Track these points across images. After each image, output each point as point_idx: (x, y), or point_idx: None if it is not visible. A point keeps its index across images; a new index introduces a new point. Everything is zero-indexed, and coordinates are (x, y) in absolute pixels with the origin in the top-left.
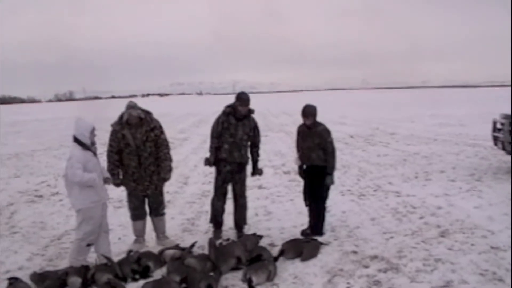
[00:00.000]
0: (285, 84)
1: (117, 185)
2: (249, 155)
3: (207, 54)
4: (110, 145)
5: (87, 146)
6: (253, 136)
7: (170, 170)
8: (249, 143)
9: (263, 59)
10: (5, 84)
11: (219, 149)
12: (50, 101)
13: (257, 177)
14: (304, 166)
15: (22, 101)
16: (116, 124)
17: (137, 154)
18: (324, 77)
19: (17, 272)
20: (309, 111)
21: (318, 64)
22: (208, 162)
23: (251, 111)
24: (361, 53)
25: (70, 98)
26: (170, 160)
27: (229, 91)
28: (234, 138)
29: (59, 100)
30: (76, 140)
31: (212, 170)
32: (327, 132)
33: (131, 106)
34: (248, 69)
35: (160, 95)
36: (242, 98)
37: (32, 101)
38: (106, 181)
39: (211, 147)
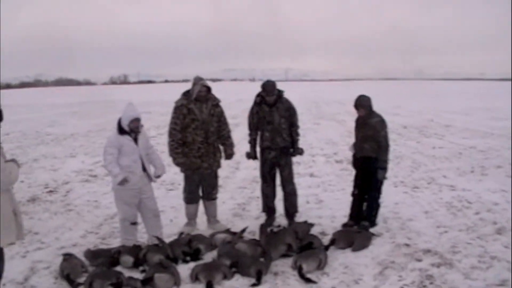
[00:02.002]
0: (338, 72)
1: (180, 164)
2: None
3: (260, 40)
4: (174, 123)
5: (125, 131)
6: (290, 116)
7: (234, 146)
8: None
9: (316, 46)
10: (62, 66)
11: (261, 139)
12: (105, 83)
13: (309, 164)
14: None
15: (78, 83)
16: (181, 99)
17: (203, 128)
18: (378, 66)
19: (71, 248)
20: (360, 103)
21: (372, 53)
22: (249, 156)
23: (280, 94)
24: (416, 43)
25: (124, 82)
26: (232, 138)
27: (281, 78)
28: (273, 124)
29: (113, 83)
30: (118, 123)
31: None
32: (381, 124)
33: (200, 78)
34: (300, 57)
35: (213, 80)
36: (267, 88)
37: (88, 83)
38: (156, 175)
39: (250, 140)
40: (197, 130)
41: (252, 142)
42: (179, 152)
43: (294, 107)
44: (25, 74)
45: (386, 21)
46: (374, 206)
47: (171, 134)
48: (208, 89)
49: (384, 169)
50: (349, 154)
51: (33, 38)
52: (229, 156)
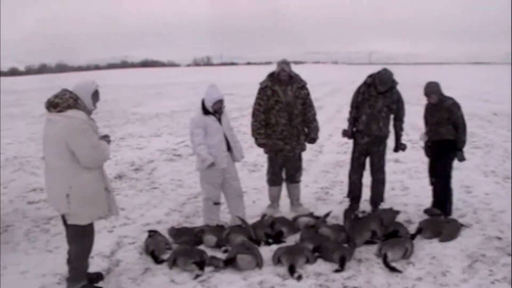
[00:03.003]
0: (423, 55)
1: (263, 145)
2: (390, 128)
3: (343, 22)
4: (258, 104)
5: (209, 111)
6: (397, 109)
7: (318, 130)
8: (391, 116)
9: (400, 29)
10: (148, 48)
11: (357, 120)
12: (188, 65)
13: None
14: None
15: (163, 64)
16: (266, 81)
17: (287, 110)
18: (466, 50)
19: (156, 225)
20: (430, 90)
21: (458, 35)
22: (345, 133)
23: (394, 85)
24: (507, 23)
25: (207, 63)
26: (317, 121)
27: (365, 61)
28: (372, 110)
29: (197, 65)
30: (202, 103)
31: (348, 140)
32: (456, 106)
33: (284, 62)
34: (384, 39)
35: (295, 63)
36: (383, 79)
37: (172, 65)
38: (235, 158)
39: (349, 117)
40: (281, 112)
41: (351, 120)
42: (261, 133)
43: (403, 101)
44: (113, 56)
45: (475, 4)
46: (448, 194)
47: (254, 114)
48: (290, 76)
49: (462, 150)
50: None
51: (119, 22)
52: (312, 140)
